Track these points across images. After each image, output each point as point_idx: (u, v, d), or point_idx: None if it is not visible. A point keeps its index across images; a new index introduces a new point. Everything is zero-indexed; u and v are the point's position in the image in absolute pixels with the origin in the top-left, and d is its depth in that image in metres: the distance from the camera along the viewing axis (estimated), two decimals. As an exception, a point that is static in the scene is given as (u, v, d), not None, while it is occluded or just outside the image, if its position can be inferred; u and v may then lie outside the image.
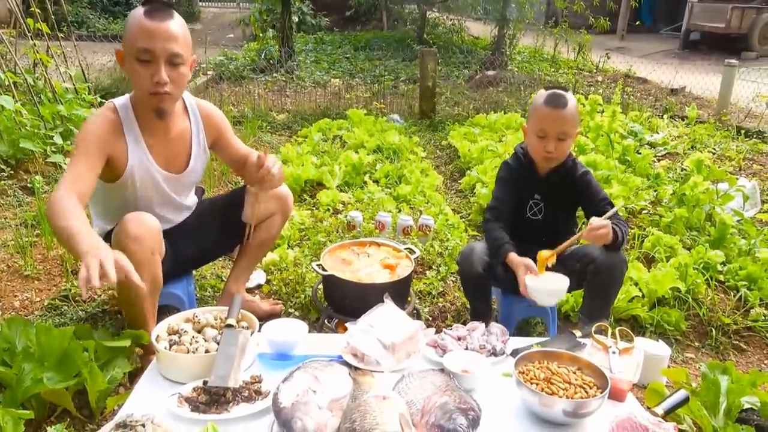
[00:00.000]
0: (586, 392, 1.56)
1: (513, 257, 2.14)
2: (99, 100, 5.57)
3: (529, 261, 2.09)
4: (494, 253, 2.21)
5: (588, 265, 2.13)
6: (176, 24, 1.90)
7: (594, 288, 2.15)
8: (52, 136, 4.38)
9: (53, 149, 4.34)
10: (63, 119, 4.72)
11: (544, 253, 2.10)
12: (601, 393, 1.54)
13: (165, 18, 1.87)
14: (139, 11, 1.88)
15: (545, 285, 2.05)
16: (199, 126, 2.17)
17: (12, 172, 3.97)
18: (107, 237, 2.02)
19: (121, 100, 2.00)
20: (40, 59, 4.95)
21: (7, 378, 1.75)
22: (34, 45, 4.98)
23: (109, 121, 1.94)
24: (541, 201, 2.31)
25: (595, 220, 2.03)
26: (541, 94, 2.21)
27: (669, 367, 2.18)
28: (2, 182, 3.81)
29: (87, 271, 1.48)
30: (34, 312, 2.51)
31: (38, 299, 2.62)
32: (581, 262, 2.16)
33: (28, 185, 3.89)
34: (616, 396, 1.67)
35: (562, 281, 2.05)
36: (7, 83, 4.48)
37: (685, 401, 1.72)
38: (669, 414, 1.66)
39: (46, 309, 2.53)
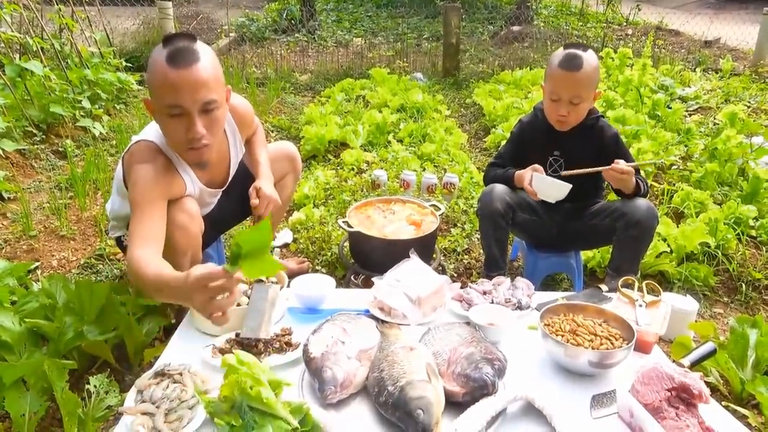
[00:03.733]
0: (612, 344, 1.57)
1: (519, 172, 2.22)
2: (124, 63, 5.61)
3: (536, 165, 2.19)
4: (503, 182, 2.26)
5: (618, 220, 2.11)
6: (204, 64, 1.66)
7: (624, 243, 2.13)
8: (81, 101, 4.45)
9: (82, 113, 4.41)
10: (90, 83, 4.78)
11: None
12: (627, 344, 1.55)
13: (190, 62, 1.63)
14: (160, 56, 1.64)
15: (550, 178, 2.14)
16: (236, 133, 2.06)
17: (44, 136, 4.05)
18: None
19: (161, 139, 1.82)
20: (66, 24, 4.99)
21: (50, 331, 1.83)
22: (60, 10, 5.00)
23: (162, 165, 1.78)
24: (561, 157, 2.28)
25: (621, 162, 2.05)
26: (557, 54, 2.14)
27: (696, 321, 2.17)
28: (35, 146, 3.90)
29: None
30: (71, 270, 2.60)
31: (74, 258, 2.71)
32: (611, 218, 2.15)
33: (60, 149, 3.98)
34: (642, 348, 1.68)
35: (564, 185, 2.12)
36: (35, 48, 4.53)
37: (712, 353, 1.72)
38: (695, 366, 1.67)
39: (82, 267, 2.62)
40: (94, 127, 4.30)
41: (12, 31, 4.48)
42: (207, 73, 1.67)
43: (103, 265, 2.63)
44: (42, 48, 4.64)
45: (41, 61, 4.37)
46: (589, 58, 2.09)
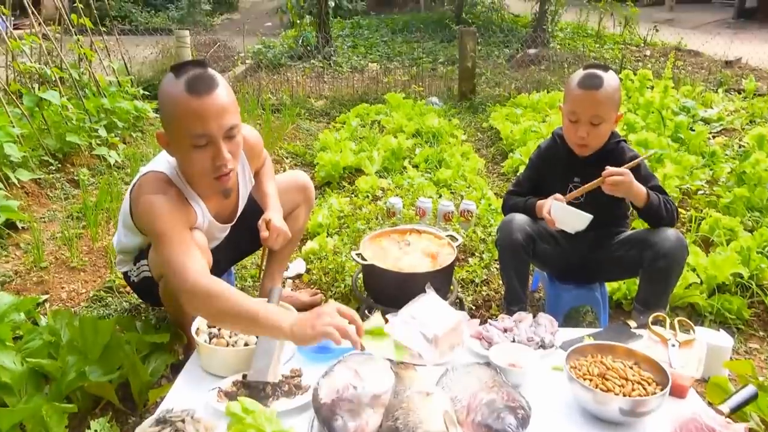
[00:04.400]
0: (645, 389, 1.46)
1: (540, 201, 2.13)
2: (141, 92, 5.66)
3: (557, 194, 2.09)
4: (523, 211, 2.17)
5: (645, 251, 2.00)
6: (222, 90, 1.63)
7: (652, 275, 2.02)
8: (97, 129, 4.47)
9: (98, 142, 4.43)
10: (107, 112, 4.81)
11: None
12: (662, 390, 1.44)
13: (211, 88, 1.60)
14: (177, 87, 1.60)
15: (570, 208, 2.03)
16: (245, 164, 2.00)
17: (59, 165, 4.05)
18: (140, 254, 1.98)
19: (170, 170, 1.78)
20: (85, 54, 5.05)
21: (53, 370, 1.76)
22: (78, 40, 5.08)
23: (174, 195, 1.74)
24: (581, 184, 2.18)
25: (611, 168, 1.98)
26: (577, 74, 2.07)
27: (732, 358, 2.04)
28: (51, 176, 3.90)
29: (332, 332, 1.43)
30: (80, 303, 2.55)
31: (84, 290, 2.66)
32: (637, 248, 2.04)
33: (75, 178, 3.97)
34: (677, 392, 1.56)
35: (585, 216, 2.01)
36: (53, 78, 4.58)
37: (753, 398, 1.59)
38: (735, 412, 1.54)
39: (91, 300, 2.57)
40: (109, 155, 4.31)
41: (31, 62, 4.54)
42: (227, 98, 1.65)
43: (113, 297, 2.57)
44: (60, 78, 4.70)
45: (59, 91, 4.41)
46: (609, 78, 2.02)
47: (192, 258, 1.60)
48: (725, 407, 1.52)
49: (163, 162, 1.81)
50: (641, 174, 2.11)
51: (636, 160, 2.05)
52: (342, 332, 1.43)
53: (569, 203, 2.09)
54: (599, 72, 2.02)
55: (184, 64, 1.65)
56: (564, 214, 2.04)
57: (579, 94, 2.02)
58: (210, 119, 1.60)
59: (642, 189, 2.00)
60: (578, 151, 2.12)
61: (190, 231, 1.72)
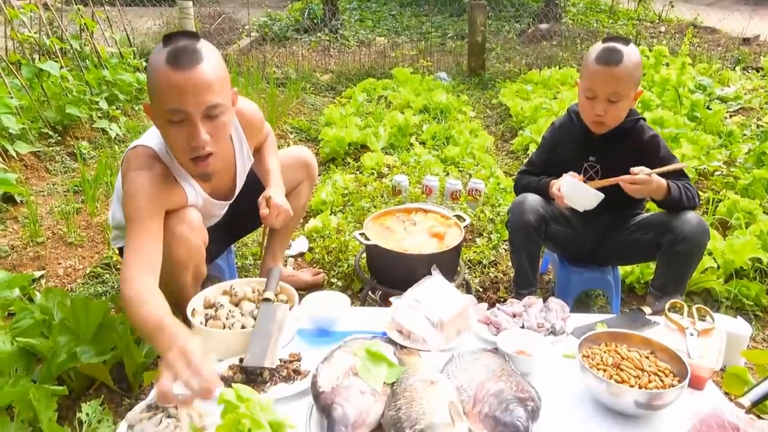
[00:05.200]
0: (662, 381, 1.37)
1: (553, 181, 2.04)
2: (144, 64, 5.54)
3: (572, 172, 1.99)
4: (536, 192, 2.08)
5: (663, 235, 1.91)
6: (208, 65, 1.52)
7: (670, 260, 1.93)
8: (98, 102, 4.38)
9: (99, 115, 4.34)
10: (108, 84, 4.71)
11: None
12: (680, 382, 1.36)
13: (193, 63, 1.50)
14: (160, 57, 1.51)
15: (581, 184, 1.94)
16: (242, 140, 1.91)
17: (59, 138, 3.97)
18: None
19: (159, 145, 1.69)
20: (86, 25, 4.93)
21: (44, 350, 1.70)
22: (79, 10, 4.95)
23: (159, 174, 1.64)
24: (597, 163, 2.08)
25: (635, 169, 1.87)
26: (595, 48, 1.96)
27: (749, 347, 1.96)
28: (50, 148, 3.83)
29: (162, 385, 1.24)
30: (76, 280, 2.49)
31: (81, 266, 2.60)
32: (655, 232, 1.94)
33: (75, 151, 3.89)
34: (695, 384, 1.48)
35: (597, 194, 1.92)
36: (53, 49, 4.47)
37: (775, 391, 1.51)
38: (756, 405, 1.46)
39: (88, 276, 2.51)
40: (110, 129, 4.22)
41: (30, 32, 4.43)
42: (211, 74, 1.53)
43: (110, 274, 2.51)
44: (61, 49, 4.59)
45: (60, 62, 4.31)
46: (629, 52, 1.89)
47: (140, 256, 1.53)
48: (746, 400, 1.43)
49: (153, 136, 1.72)
50: (660, 155, 2.01)
51: (662, 169, 1.91)
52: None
53: (585, 182, 1.99)
54: (619, 46, 1.90)
55: (175, 34, 1.55)
56: (573, 191, 1.95)
57: (597, 69, 1.91)
58: (187, 95, 1.50)
59: (662, 183, 1.89)
60: (594, 128, 2.02)
61: (158, 221, 1.63)
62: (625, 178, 1.88)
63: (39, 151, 3.72)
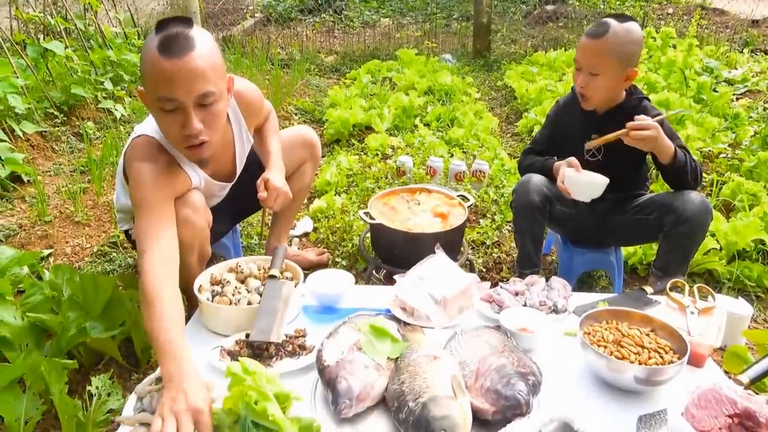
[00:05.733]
0: (662, 357, 1.40)
1: (557, 163, 2.04)
2: (148, 44, 5.52)
3: (572, 159, 1.99)
4: (541, 172, 2.10)
5: (666, 215, 1.92)
6: (200, 53, 1.50)
7: (672, 240, 1.94)
8: (103, 82, 4.38)
9: (104, 95, 4.34)
10: (113, 64, 4.70)
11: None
12: (679, 359, 1.38)
13: (184, 50, 1.47)
14: (152, 43, 1.49)
15: (583, 176, 1.95)
16: (241, 122, 1.91)
17: (65, 118, 3.98)
18: None
19: (160, 133, 1.68)
20: (90, 4, 4.91)
21: (54, 326, 1.73)
22: (84, -11, 4.93)
23: (164, 163, 1.65)
24: None
25: (639, 117, 1.86)
26: None
27: (750, 327, 1.98)
28: (56, 129, 3.84)
29: (159, 425, 1.16)
30: (84, 258, 2.52)
31: (88, 245, 2.63)
32: (658, 212, 1.95)
33: (80, 131, 3.91)
34: (695, 361, 1.50)
35: (602, 177, 1.93)
36: (58, 29, 4.46)
37: (774, 369, 1.53)
38: (755, 383, 1.48)
39: (95, 255, 2.54)
40: (115, 109, 4.23)
41: (35, 11, 4.42)
42: (203, 62, 1.51)
43: (117, 253, 2.54)
44: (66, 29, 4.58)
45: (64, 42, 4.30)
46: (620, 28, 1.88)
47: (159, 245, 1.50)
48: (744, 377, 1.46)
49: (154, 123, 1.71)
50: (663, 132, 2.01)
51: (658, 116, 1.93)
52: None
53: (588, 160, 1.99)
54: (610, 20, 1.91)
55: (168, 20, 1.53)
56: (577, 184, 1.95)
57: (582, 41, 1.97)
58: (178, 83, 1.48)
59: (669, 144, 1.88)
60: (582, 102, 2.04)
61: (170, 206, 1.62)
62: (631, 125, 1.84)
63: (45, 131, 3.73)
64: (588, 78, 1.95)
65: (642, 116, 1.87)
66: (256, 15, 8.01)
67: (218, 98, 1.58)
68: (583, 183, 1.94)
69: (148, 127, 1.71)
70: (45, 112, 3.88)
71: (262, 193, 1.83)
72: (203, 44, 1.52)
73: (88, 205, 2.98)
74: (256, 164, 2.04)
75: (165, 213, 1.59)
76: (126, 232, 2.01)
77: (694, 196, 1.91)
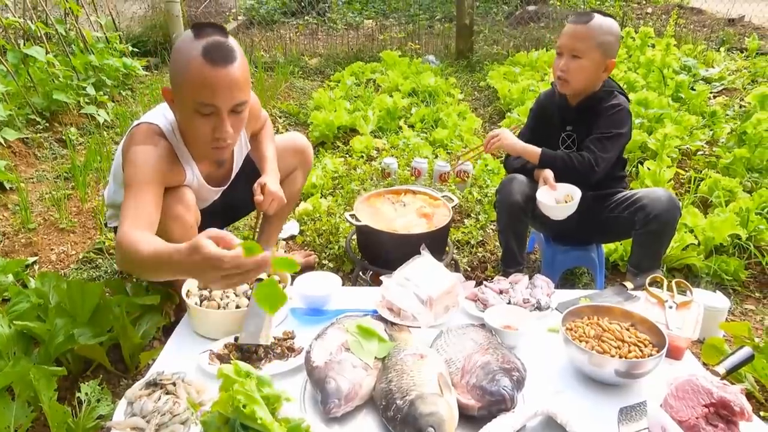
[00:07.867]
0: (641, 351, 1.44)
1: (536, 171, 2.15)
2: (130, 49, 5.49)
3: (548, 172, 2.06)
4: (524, 172, 2.17)
5: (636, 213, 1.97)
6: (240, 64, 1.58)
7: (644, 237, 1.99)
8: (85, 87, 4.35)
9: (86, 100, 4.31)
10: (95, 69, 4.68)
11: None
12: (658, 352, 1.42)
13: (228, 60, 1.55)
14: (194, 49, 1.54)
15: (553, 199, 2.04)
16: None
17: (47, 124, 3.95)
18: None
19: (166, 125, 1.74)
20: (71, 8, 4.87)
21: (41, 333, 1.73)
22: (64, -6, 4.89)
23: (163, 148, 1.70)
24: (573, 132, 2.15)
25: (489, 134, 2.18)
26: None
27: (727, 320, 2.03)
28: (38, 135, 3.81)
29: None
30: (69, 265, 2.51)
31: (74, 252, 2.62)
32: (630, 210, 2.00)
33: (63, 137, 3.88)
34: (673, 354, 1.55)
35: (574, 193, 2.01)
36: (38, 34, 4.43)
37: (749, 359, 1.58)
38: (731, 373, 1.53)
39: (81, 262, 2.53)
40: (98, 114, 4.20)
41: (15, 16, 4.38)
42: (242, 73, 1.60)
43: (103, 259, 2.53)
44: (46, 34, 4.54)
45: (45, 48, 4.27)
46: (602, 20, 2.01)
47: (139, 215, 1.54)
48: (721, 368, 1.51)
49: (159, 116, 1.76)
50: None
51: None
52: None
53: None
54: (595, 14, 2.02)
55: (204, 25, 1.61)
56: (548, 209, 2.02)
57: (566, 27, 2.06)
58: (220, 92, 1.56)
59: (528, 148, 2.10)
60: (560, 86, 2.11)
61: (158, 189, 1.66)
62: (485, 140, 2.22)
63: (27, 138, 3.70)
64: (569, 61, 2.02)
65: (493, 131, 2.20)
66: (239, 18, 8.00)
67: (247, 106, 1.67)
68: (555, 208, 2.01)
69: (152, 117, 1.75)
70: (27, 118, 3.85)
71: (258, 197, 1.86)
72: (241, 55, 1.61)
73: (73, 211, 2.97)
74: (249, 169, 2.07)
75: (153, 193, 1.63)
76: (115, 229, 2.02)
77: (661, 192, 1.97)
